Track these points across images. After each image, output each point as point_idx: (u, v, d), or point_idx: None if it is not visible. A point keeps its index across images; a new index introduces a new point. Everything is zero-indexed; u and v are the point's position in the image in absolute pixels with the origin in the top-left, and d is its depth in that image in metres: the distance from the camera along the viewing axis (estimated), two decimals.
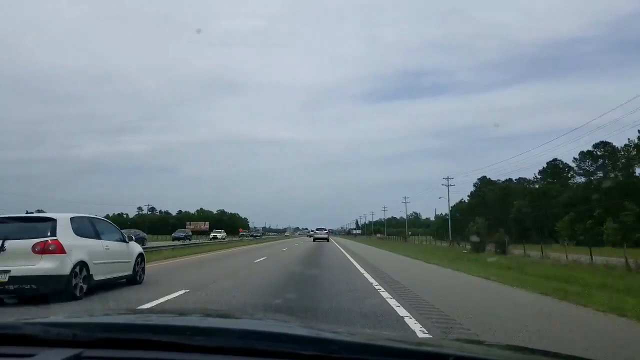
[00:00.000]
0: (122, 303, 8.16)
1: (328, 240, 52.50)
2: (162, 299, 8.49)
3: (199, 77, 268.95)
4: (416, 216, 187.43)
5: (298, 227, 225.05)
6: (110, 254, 9.42)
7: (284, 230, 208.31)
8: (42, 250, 7.78)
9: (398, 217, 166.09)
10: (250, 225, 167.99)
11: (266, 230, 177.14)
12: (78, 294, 8.06)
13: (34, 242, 7.80)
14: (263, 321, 2.08)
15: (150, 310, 3.26)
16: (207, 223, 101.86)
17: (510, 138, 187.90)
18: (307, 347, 1.25)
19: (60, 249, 7.89)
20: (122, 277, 10.02)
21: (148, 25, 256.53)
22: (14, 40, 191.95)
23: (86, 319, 1.73)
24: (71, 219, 8.72)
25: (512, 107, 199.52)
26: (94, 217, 9.93)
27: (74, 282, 8.00)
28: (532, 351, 1.76)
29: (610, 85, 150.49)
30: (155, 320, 1.80)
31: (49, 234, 8.01)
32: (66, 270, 7.85)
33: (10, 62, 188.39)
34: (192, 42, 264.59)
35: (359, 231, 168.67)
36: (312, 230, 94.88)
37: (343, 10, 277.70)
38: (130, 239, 11.24)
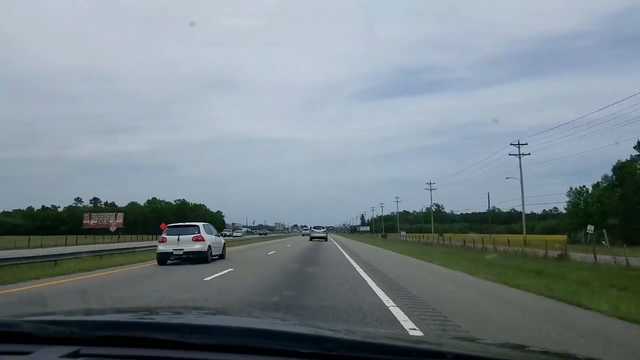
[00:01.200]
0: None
1: (326, 240, 48.03)
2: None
3: (194, 75, 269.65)
4: (438, 208, 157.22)
5: (296, 225, 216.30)
6: (216, 242, 18.59)
7: (272, 228, 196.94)
8: (196, 239, 16.90)
9: (411, 211, 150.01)
10: (227, 221, 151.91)
11: (254, 228, 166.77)
12: (209, 261, 17.13)
13: (192, 236, 16.94)
14: (261, 319, 2.15)
15: (148, 309, 3.56)
16: (119, 215, 76.98)
17: (509, 134, 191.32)
18: (304, 345, 1.27)
19: (203, 239, 17.03)
20: (217, 255, 19.08)
21: (145, 24, 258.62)
22: (8, 38, 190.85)
23: (84, 317, 1.77)
24: (203, 225, 17.93)
25: (511, 103, 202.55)
26: (209, 224, 19.19)
27: (208, 255, 17.07)
28: (529, 349, 1.82)
29: (607, 79, 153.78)
30: (152, 318, 1.84)
31: (197, 232, 17.17)
32: (206, 249, 16.98)
33: (4, 60, 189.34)
34: (188, 41, 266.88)
35: (366, 228, 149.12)
36: (306, 228, 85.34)
37: (340, 8, 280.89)
38: (224, 235, 20.49)
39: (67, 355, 1.22)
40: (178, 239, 16.73)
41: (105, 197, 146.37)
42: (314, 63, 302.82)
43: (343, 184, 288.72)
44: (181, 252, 16.66)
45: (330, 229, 64.53)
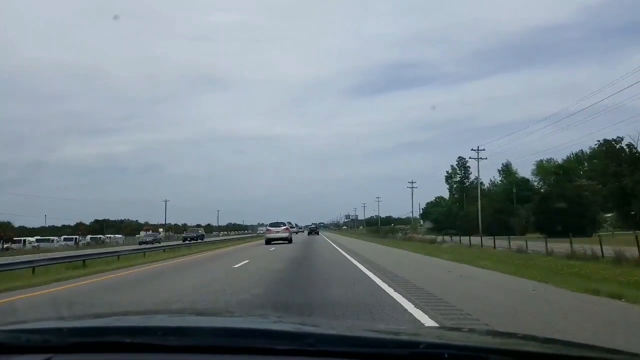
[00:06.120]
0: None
1: (291, 242, 33.94)
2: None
3: (181, 72, 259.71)
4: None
5: (262, 223, 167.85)
6: (292, 233, 35.78)
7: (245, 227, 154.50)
8: (285, 230, 34.69)
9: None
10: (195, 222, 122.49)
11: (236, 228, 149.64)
12: (290, 243, 33.66)
13: (283, 227, 34.81)
14: (239, 318, 2.15)
15: (125, 312, 3.44)
16: None
17: (498, 126, 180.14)
18: (282, 342, 1.28)
19: (289, 230, 34.79)
20: (289, 240, 35.76)
21: (130, 21, 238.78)
22: None
23: (56, 324, 1.75)
24: (287, 223, 35.46)
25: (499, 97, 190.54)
26: (288, 222, 36.68)
27: (290, 239, 34.10)
28: (510, 335, 1.91)
29: (593, 71, 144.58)
30: (126, 321, 1.83)
31: (285, 225, 35.14)
32: (289, 236, 34.72)
33: None
34: (174, 38, 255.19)
35: None
36: (262, 227, 72.27)
37: (327, 3, 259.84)
38: (293, 230, 38.11)
39: None
40: (277, 230, 33.02)
41: None
42: (301, 59, 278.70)
43: (333, 180, 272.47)
44: (279, 237, 33.26)
45: (320, 226, 52.17)
